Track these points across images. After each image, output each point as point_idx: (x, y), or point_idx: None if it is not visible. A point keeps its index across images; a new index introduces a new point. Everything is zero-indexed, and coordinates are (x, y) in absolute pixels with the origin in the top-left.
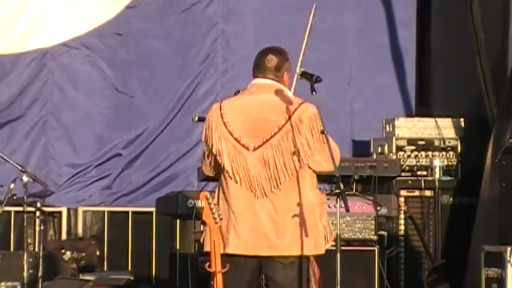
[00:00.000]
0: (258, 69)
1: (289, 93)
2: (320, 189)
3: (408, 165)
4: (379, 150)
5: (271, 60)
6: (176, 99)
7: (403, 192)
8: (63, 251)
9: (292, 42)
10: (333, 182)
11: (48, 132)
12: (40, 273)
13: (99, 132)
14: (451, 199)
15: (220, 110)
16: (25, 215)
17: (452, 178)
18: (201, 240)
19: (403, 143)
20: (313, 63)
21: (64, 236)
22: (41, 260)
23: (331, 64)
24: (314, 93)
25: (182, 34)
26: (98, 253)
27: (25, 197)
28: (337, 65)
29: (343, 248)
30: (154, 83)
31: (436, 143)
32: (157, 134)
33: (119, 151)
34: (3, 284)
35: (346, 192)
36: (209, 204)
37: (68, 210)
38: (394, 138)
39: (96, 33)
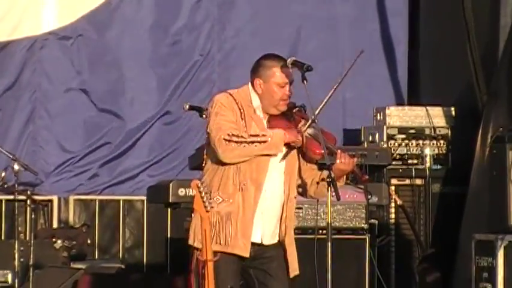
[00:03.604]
0: None
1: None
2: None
3: (399, 154)
4: (370, 138)
5: None
6: (172, 89)
7: (393, 181)
8: (54, 239)
9: (287, 31)
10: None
11: (36, 120)
12: (31, 262)
13: (88, 120)
14: (441, 188)
15: None
16: (16, 204)
17: (443, 167)
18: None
19: (394, 131)
20: (305, 52)
21: (55, 225)
22: (32, 248)
23: (323, 53)
24: (305, 81)
25: (176, 23)
26: (89, 241)
27: (16, 186)
28: (329, 54)
29: (334, 236)
30: (147, 72)
31: (427, 131)
32: (150, 123)
33: (109, 140)
34: None
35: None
36: (200, 192)
37: (59, 198)
38: (385, 127)
39: (86, 21)
